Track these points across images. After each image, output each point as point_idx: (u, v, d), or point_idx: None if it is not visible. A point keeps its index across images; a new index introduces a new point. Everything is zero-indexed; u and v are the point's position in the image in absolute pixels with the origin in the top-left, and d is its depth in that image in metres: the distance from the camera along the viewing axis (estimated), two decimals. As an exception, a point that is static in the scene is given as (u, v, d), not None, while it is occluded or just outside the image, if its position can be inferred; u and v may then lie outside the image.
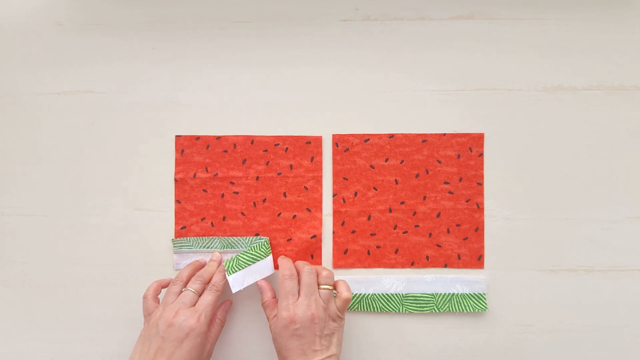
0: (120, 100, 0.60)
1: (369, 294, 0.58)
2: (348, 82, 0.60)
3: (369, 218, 0.59)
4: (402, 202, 0.59)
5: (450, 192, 0.59)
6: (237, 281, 0.55)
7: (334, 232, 0.59)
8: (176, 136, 0.60)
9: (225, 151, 0.60)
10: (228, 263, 0.55)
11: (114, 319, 0.60)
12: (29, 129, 0.61)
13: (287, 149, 0.60)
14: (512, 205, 0.59)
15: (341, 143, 0.60)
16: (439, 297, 0.58)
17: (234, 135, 0.60)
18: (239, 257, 0.56)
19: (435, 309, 0.58)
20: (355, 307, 0.58)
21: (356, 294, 0.59)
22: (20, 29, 0.61)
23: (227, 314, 0.58)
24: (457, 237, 0.59)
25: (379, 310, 0.58)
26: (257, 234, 0.60)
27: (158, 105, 0.60)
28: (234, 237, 0.60)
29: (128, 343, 0.60)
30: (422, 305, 0.58)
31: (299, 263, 0.56)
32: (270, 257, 0.58)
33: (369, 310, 0.58)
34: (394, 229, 0.59)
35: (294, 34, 0.60)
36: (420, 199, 0.59)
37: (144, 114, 0.60)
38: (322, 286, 0.53)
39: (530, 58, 0.59)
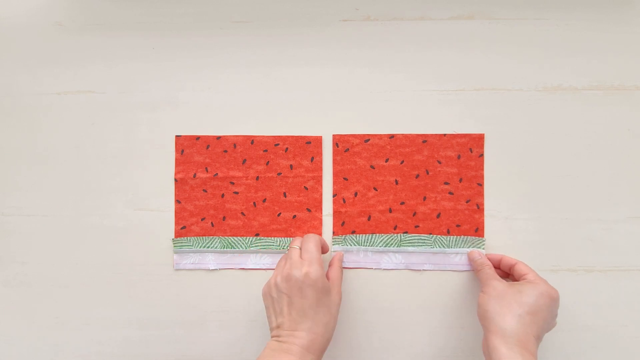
0: (120, 100, 0.60)
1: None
2: (348, 82, 0.60)
3: (369, 218, 0.59)
4: (402, 203, 0.59)
5: (450, 193, 0.59)
6: None
7: (333, 232, 0.59)
8: (176, 136, 0.60)
9: (225, 151, 0.60)
10: None
11: (114, 319, 0.60)
12: (29, 129, 0.61)
13: (287, 149, 0.60)
14: (512, 205, 0.59)
15: (341, 143, 0.60)
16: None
17: (234, 135, 0.60)
18: None
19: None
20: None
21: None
22: (20, 29, 0.61)
23: (342, 262, 0.58)
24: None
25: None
26: (257, 234, 0.60)
27: (158, 105, 0.60)
28: (234, 237, 0.60)
29: (128, 343, 0.60)
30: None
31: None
32: None
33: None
34: (394, 229, 0.59)
35: (294, 34, 0.60)
36: (421, 199, 0.59)
37: (144, 114, 0.60)
38: None
39: (530, 58, 0.59)
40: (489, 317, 0.50)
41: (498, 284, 0.52)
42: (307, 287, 0.50)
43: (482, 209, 0.59)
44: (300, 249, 0.53)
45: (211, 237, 0.60)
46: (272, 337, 0.51)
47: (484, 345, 0.50)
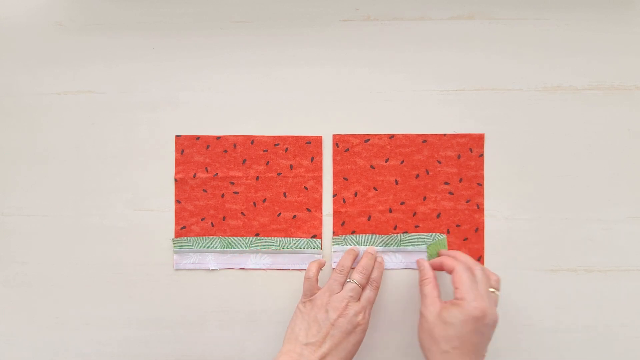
0: (120, 100, 0.60)
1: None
2: (348, 82, 0.60)
3: (369, 218, 0.59)
4: (402, 203, 0.59)
5: (450, 193, 0.59)
6: None
7: (333, 232, 0.59)
8: (176, 136, 0.60)
9: (225, 151, 0.60)
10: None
11: (114, 319, 0.60)
12: (29, 129, 0.61)
13: (287, 149, 0.60)
14: (512, 205, 0.59)
15: (341, 143, 0.60)
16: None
17: (234, 135, 0.60)
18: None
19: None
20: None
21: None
22: (20, 29, 0.61)
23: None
24: (457, 238, 0.59)
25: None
26: (257, 234, 0.60)
27: (158, 105, 0.60)
28: (234, 237, 0.60)
29: (128, 343, 0.60)
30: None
31: (463, 256, 0.54)
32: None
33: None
34: (394, 229, 0.59)
35: (294, 34, 0.60)
36: (421, 199, 0.59)
37: (144, 114, 0.60)
38: (491, 289, 0.51)
39: (530, 58, 0.59)
40: (423, 351, 0.51)
41: (429, 315, 0.50)
42: (355, 334, 0.52)
43: (482, 209, 0.59)
44: (360, 286, 0.54)
45: (211, 237, 0.60)
46: (289, 350, 0.51)
47: None
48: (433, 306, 0.51)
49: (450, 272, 0.52)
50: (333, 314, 0.52)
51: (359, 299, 0.54)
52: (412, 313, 0.59)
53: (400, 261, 0.59)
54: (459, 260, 0.53)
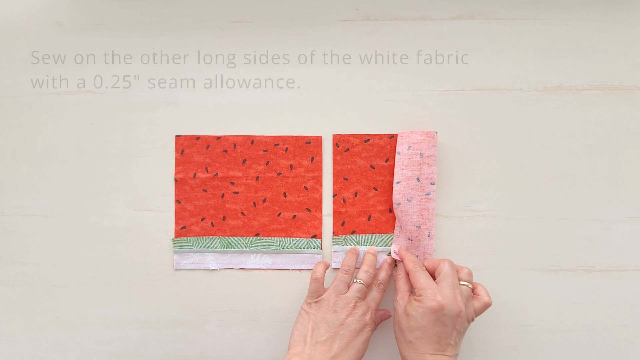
0: (120, 100, 0.60)
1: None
2: (348, 82, 0.60)
3: (369, 218, 0.59)
4: (402, 202, 0.59)
5: (450, 192, 0.59)
6: None
7: (333, 232, 0.59)
8: (176, 136, 0.60)
9: (225, 151, 0.60)
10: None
11: (114, 319, 0.60)
12: (29, 129, 0.61)
13: (287, 149, 0.60)
14: (512, 205, 0.59)
15: (341, 143, 0.60)
16: None
17: (234, 135, 0.60)
18: None
19: None
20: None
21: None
22: (20, 29, 0.61)
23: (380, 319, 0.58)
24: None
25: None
26: (257, 234, 0.60)
27: (158, 105, 0.60)
28: (234, 237, 0.60)
29: (128, 343, 0.60)
30: None
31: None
32: None
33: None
34: (394, 229, 0.59)
35: (294, 34, 0.60)
36: (420, 199, 0.59)
37: (144, 114, 0.60)
38: (462, 282, 0.53)
39: (530, 58, 0.59)
40: (396, 340, 0.53)
41: (398, 308, 0.53)
42: (364, 333, 0.53)
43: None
44: (366, 286, 0.55)
45: (211, 237, 0.60)
46: (299, 351, 0.51)
47: None
48: (402, 300, 0.53)
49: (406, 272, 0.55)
50: (342, 313, 0.52)
51: (365, 299, 0.54)
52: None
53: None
54: (409, 259, 0.55)
